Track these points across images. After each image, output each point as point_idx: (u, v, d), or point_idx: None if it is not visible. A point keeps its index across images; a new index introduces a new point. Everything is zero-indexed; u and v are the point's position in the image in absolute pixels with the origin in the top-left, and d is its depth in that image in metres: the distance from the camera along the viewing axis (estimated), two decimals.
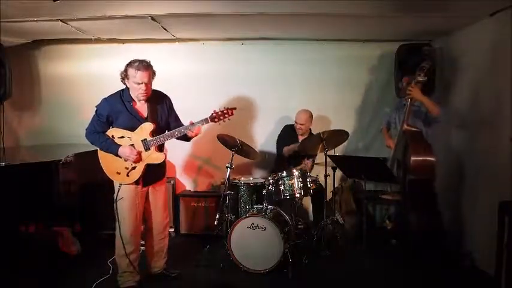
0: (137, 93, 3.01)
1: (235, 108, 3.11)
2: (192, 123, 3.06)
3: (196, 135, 3.15)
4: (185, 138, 3.21)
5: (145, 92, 3.01)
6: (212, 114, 3.07)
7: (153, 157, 3.07)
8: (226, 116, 3.07)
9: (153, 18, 3.66)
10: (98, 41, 4.59)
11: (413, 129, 3.56)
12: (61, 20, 3.68)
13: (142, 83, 2.96)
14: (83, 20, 3.71)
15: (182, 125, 3.24)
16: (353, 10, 3.42)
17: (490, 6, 3.29)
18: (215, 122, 3.08)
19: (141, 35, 4.49)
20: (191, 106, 4.53)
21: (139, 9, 3.41)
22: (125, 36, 4.60)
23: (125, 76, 3.01)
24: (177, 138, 3.15)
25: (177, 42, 4.73)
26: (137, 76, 2.94)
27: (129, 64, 2.99)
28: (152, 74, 3.04)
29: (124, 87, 3.10)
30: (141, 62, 2.97)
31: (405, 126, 3.55)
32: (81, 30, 4.09)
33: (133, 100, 3.07)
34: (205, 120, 3.06)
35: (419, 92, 3.50)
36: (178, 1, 3.27)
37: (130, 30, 4.22)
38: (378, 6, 3.34)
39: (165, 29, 4.12)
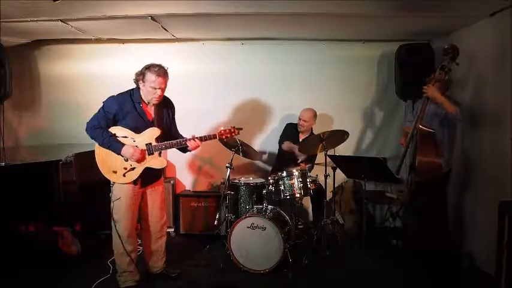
0: (151, 97, 3.02)
1: (241, 129, 3.27)
2: (199, 137, 3.11)
3: (194, 149, 3.18)
4: (182, 149, 3.25)
5: (160, 97, 3.04)
6: (220, 131, 3.19)
7: (155, 162, 3.09)
8: (232, 134, 3.24)
9: (153, 18, 3.66)
10: (98, 41, 4.59)
11: (425, 128, 3.46)
12: (61, 20, 3.68)
13: (159, 88, 2.98)
14: (83, 20, 3.72)
15: (180, 134, 3.29)
16: (353, 10, 3.42)
17: (490, 6, 3.29)
18: (222, 138, 3.22)
19: (141, 35, 4.49)
20: (191, 106, 4.57)
21: (139, 9, 3.42)
22: (125, 36, 4.61)
23: (141, 78, 3.01)
24: (176, 149, 3.21)
25: (177, 42, 4.74)
26: (156, 81, 2.96)
27: (148, 68, 2.99)
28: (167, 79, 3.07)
29: (133, 87, 3.11)
30: (161, 67, 3.00)
31: (418, 125, 3.47)
32: (81, 30, 4.09)
33: (143, 102, 3.08)
34: (213, 136, 3.16)
35: (435, 90, 3.41)
36: (178, 1, 3.27)
37: (130, 30, 4.23)
38: (378, 6, 3.34)
39: (165, 29, 4.13)
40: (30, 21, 3.65)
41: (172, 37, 4.54)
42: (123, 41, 4.72)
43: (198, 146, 3.14)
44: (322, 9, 3.40)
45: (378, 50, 4.74)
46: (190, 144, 3.11)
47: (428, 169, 3.39)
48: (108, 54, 4.72)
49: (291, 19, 3.79)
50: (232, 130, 3.22)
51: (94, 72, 4.77)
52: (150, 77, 2.96)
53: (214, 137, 3.16)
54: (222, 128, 3.22)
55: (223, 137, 3.20)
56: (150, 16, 3.60)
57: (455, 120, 3.48)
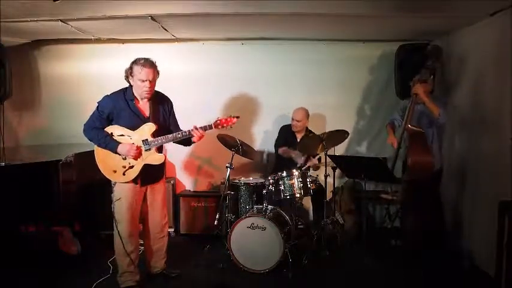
0: (141, 90, 3.02)
1: (238, 117, 3.17)
2: (196, 128, 3.07)
3: (198, 141, 3.14)
4: (184, 142, 3.22)
5: (149, 89, 3.03)
6: (216, 121, 3.12)
7: (153, 158, 3.08)
8: (229, 123, 3.13)
9: (153, 18, 3.66)
10: (98, 41, 4.59)
11: (414, 128, 3.52)
12: (61, 20, 3.68)
13: (147, 80, 2.98)
14: (83, 20, 3.71)
15: (180, 129, 3.25)
16: (353, 10, 3.42)
17: (490, 6, 3.29)
18: (218, 128, 3.14)
19: (141, 35, 4.49)
20: (191, 106, 4.57)
21: (139, 9, 3.41)
22: (125, 36, 4.61)
23: (129, 74, 3.02)
24: (177, 142, 3.18)
25: (177, 42, 4.73)
26: (142, 73, 2.96)
27: (135, 62, 3.01)
28: (156, 72, 3.06)
29: (127, 85, 3.11)
30: (147, 59, 3.01)
31: (408, 125, 3.53)
32: (81, 30, 4.09)
33: (136, 98, 3.09)
34: (209, 126, 3.10)
35: (423, 91, 3.48)
36: (178, 1, 3.27)
37: (130, 30, 4.22)
38: (377, 6, 3.34)
39: (165, 29, 4.12)
40: (30, 21, 3.64)
41: (172, 37, 4.54)
42: (123, 41, 4.71)
43: (203, 136, 3.10)
44: (322, 9, 3.39)
45: (377, 50, 4.73)
46: (195, 134, 3.06)
47: (421, 168, 3.42)
48: (108, 54, 4.72)
49: (291, 19, 3.79)
50: (229, 119, 3.12)
51: (94, 72, 4.77)
52: (137, 69, 2.97)
53: (210, 127, 3.09)
54: (219, 118, 3.14)
55: (220, 127, 3.11)
56: (150, 16, 3.60)
57: (438, 122, 3.53)
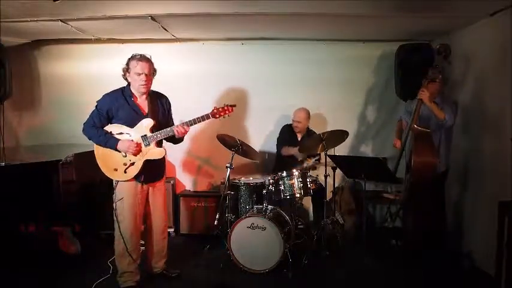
0: (138, 84, 3.04)
1: (235, 105, 3.18)
2: (193, 119, 3.08)
3: (183, 135, 3.13)
4: (172, 140, 3.23)
5: (146, 83, 3.05)
6: (213, 110, 3.13)
7: (153, 152, 3.08)
8: (226, 112, 3.14)
9: (153, 18, 3.66)
10: (98, 41, 4.59)
11: (420, 129, 3.51)
12: (61, 20, 3.68)
13: (142, 74, 3.01)
14: (83, 20, 3.71)
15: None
16: (353, 10, 3.42)
17: (490, 6, 3.29)
18: (216, 118, 3.14)
19: (141, 35, 4.49)
20: (191, 106, 4.53)
21: (139, 9, 3.42)
22: (125, 36, 4.60)
23: (126, 70, 3.06)
24: (166, 140, 3.20)
25: (177, 42, 4.73)
26: (138, 66, 3.00)
27: (131, 57, 3.07)
28: (153, 68, 3.10)
29: (125, 84, 3.13)
30: (142, 55, 3.07)
31: (414, 125, 3.52)
32: (81, 30, 4.09)
33: (134, 95, 3.10)
34: (206, 116, 3.11)
35: (428, 96, 3.48)
36: (178, 1, 3.27)
37: (130, 30, 4.23)
38: (377, 6, 3.34)
39: (165, 29, 4.13)
40: (30, 21, 3.65)
41: (172, 37, 4.54)
42: (123, 41, 4.71)
43: (186, 132, 3.09)
44: (322, 9, 3.39)
45: (377, 50, 4.73)
46: (176, 130, 3.05)
47: (424, 169, 3.40)
48: (108, 54, 4.71)
49: (291, 19, 3.79)
50: (226, 108, 3.13)
51: (94, 72, 4.77)
52: (133, 64, 3.03)
53: (207, 117, 3.10)
54: (215, 107, 3.15)
55: (217, 116, 3.12)
56: (150, 16, 3.60)
57: (444, 125, 3.53)
